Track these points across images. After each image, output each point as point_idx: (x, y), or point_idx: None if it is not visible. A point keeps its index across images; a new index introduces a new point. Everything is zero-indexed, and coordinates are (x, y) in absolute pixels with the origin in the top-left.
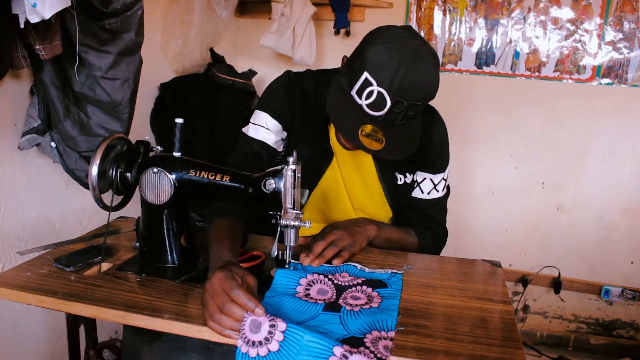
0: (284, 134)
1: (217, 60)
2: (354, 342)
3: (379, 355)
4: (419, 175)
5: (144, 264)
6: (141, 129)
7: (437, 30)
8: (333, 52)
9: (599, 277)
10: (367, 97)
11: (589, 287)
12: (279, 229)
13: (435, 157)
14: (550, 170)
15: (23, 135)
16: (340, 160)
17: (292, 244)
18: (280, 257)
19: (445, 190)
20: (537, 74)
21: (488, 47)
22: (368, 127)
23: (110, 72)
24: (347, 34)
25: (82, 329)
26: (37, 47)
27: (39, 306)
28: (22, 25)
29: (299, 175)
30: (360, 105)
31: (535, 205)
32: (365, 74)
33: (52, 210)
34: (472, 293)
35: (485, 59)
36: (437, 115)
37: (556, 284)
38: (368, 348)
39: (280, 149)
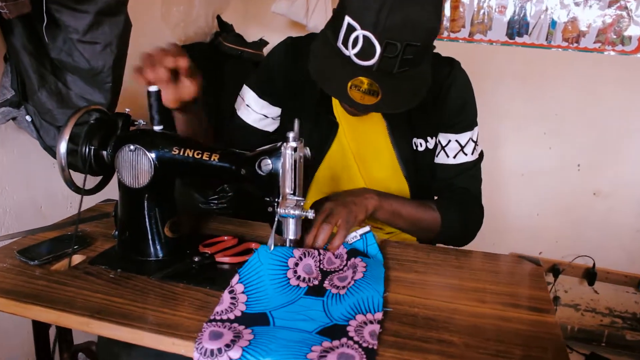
0: (274, 111)
1: (224, 28)
2: (336, 332)
3: (364, 344)
4: (443, 138)
5: (123, 256)
6: (138, 103)
7: None
8: None
9: (638, 269)
10: (354, 45)
11: (626, 279)
12: (276, 219)
13: (457, 114)
14: (587, 151)
15: None
16: (348, 131)
17: (291, 237)
18: None
19: (477, 155)
20: (575, 45)
21: (521, 15)
22: (362, 81)
23: (88, 35)
24: None
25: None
26: None
27: None
28: None
29: (301, 154)
30: (349, 57)
31: (569, 188)
32: (347, 19)
33: (38, 191)
34: (507, 299)
35: (518, 28)
36: (456, 66)
37: (590, 275)
38: (352, 338)
39: (268, 128)
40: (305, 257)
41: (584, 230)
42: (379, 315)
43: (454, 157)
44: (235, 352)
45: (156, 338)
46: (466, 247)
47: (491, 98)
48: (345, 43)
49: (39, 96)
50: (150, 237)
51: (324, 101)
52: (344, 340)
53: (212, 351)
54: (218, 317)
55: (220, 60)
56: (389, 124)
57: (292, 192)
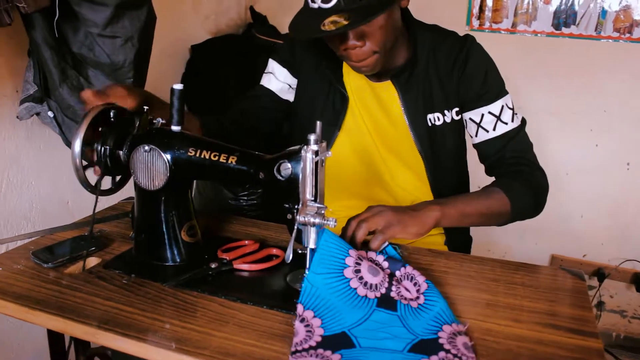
0: (294, 81)
1: (257, 20)
2: (429, 346)
3: (464, 358)
4: (475, 115)
5: (138, 261)
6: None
7: None
8: None
9: None
10: None
11: None
12: (295, 227)
13: (481, 85)
14: (639, 148)
15: (21, 103)
16: (360, 105)
17: (312, 247)
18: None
19: (518, 121)
20: (627, 35)
21: (569, 4)
22: (334, 20)
23: (108, 29)
24: None
25: None
26: None
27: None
28: None
29: (323, 157)
30: (318, 8)
31: (617, 188)
32: None
33: (65, 186)
34: (546, 318)
35: (564, 18)
36: (469, 39)
37: (638, 280)
38: (449, 351)
39: (288, 97)
40: (362, 260)
41: (633, 233)
42: (462, 327)
43: (494, 129)
44: None
45: (162, 353)
46: (501, 247)
47: (534, 93)
48: None
49: (61, 91)
50: (166, 241)
51: (336, 76)
52: (442, 354)
53: None
54: (300, 348)
55: (252, 52)
56: (402, 101)
57: (312, 198)
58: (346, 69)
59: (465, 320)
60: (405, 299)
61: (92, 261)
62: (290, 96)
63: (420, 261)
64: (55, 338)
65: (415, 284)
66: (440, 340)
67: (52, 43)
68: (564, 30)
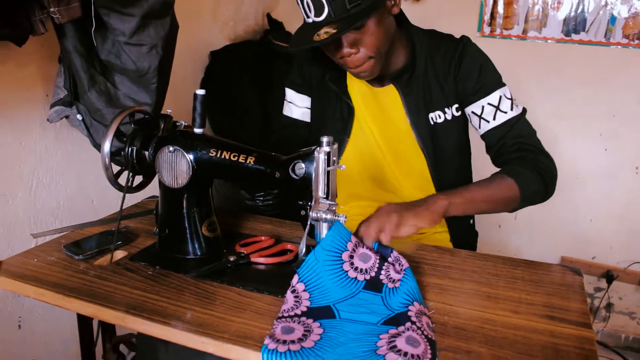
0: (309, 99)
1: (274, 26)
2: (400, 319)
3: (425, 332)
4: (476, 107)
5: (162, 254)
6: (185, 102)
7: None
8: None
9: None
10: (310, 9)
11: None
12: (308, 222)
13: (477, 78)
14: None
15: (51, 106)
16: (366, 113)
17: None
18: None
19: (518, 110)
20: (636, 41)
21: (578, 11)
22: (327, 30)
23: (134, 37)
24: None
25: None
26: (51, 9)
27: (37, 299)
28: None
29: (334, 158)
30: (312, 21)
31: (626, 192)
32: None
33: (90, 185)
34: (542, 310)
35: (574, 25)
36: (464, 39)
37: None
38: (414, 323)
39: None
40: (357, 247)
41: None
42: (426, 310)
43: (494, 118)
44: (308, 344)
45: (186, 335)
46: (511, 249)
47: (544, 98)
48: (306, 14)
49: (89, 96)
50: (188, 235)
51: (341, 89)
52: (408, 324)
53: (284, 341)
54: (286, 314)
55: (269, 58)
56: (404, 103)
57: (324, 196)
58: (350, 79)
59: (433, 306)
60: (392, 281)
61: (119, 254)
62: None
63: (426, 257)
64: (84, 327)
65: (400, 265)
66: (409, 313)
67: (82, 51)
68: (574, 36)
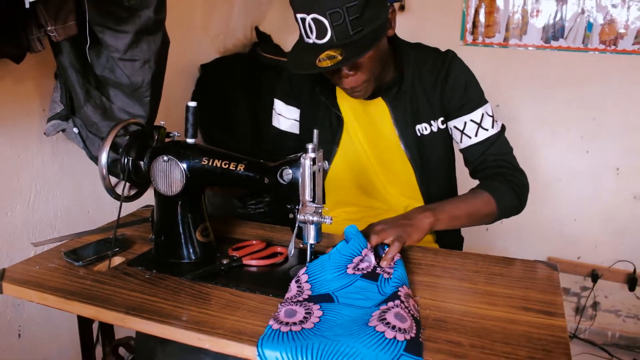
0: (298, 111)
1: (262, 39)
2: (390, 298)
3: (412, 312)
4: (459, 123)
5: (158, 259)
6: (177, 113)
7: (499, 1)
8: None
9: None
10: (311, 31)
11: None
12: (296, 225)
13: (462, 95)
14: (627, 154)
15: (48, 120)
16: (355, 124)
17: (312, 242)
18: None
19: (498, 128)
20: (612, 47)
21: (557, 19)
22: (329, 54)
23: (128, 53)
24: (402, 8)
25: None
26: (48, 28)
27: (40, 304)
28: (27, 5)
29: (320, 163)
30: (313, 43)
31: (608, 193)
32: (297, 15)
33: (86, 197)
34: (519, 302)
35: (553, 32)
36: (450, 54)
37: (631, 281)
38: (403, 302)
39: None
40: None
41: (624, 235)
42: (411, 293)
43: (475, 135)
44: (308, 326)
45: (183, 333)
46: (498, 251)
47: (526, 103)
48: (306, 34)
49: (85, 110)
50: (183, 241)
51: (330, 100)
52: (397, 302)
53: (287, 322)
54: (289, 301)
55: (258, 70)
56: (392, 115)
57: (311, 199)
58: (339, 92)
59: (418, 297)
60: (388, 273)
61: (117, 260)
62: (298, 129)
63: (410, 256)
64: (85, 330)
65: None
66: (399, 293)
67: (77, 66)
68: (553, 43)
